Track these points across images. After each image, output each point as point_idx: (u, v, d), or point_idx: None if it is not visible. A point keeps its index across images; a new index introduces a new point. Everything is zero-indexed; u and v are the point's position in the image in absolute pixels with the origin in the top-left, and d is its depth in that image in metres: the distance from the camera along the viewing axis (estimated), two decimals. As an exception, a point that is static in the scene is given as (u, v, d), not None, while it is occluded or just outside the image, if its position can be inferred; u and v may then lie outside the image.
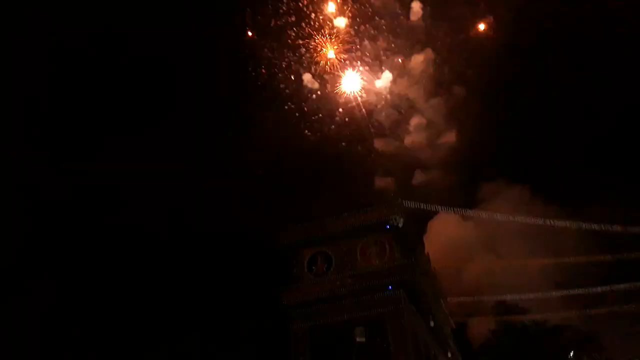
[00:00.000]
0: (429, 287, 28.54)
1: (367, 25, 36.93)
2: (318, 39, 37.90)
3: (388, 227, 29.13)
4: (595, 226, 29.15)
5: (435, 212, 30.32)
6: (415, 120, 36.37)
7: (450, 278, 29.14)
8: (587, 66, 31.06)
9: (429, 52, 35.86)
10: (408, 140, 36.35)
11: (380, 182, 35.42)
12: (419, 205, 30.00)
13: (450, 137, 34.93)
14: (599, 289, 28.79)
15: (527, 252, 29.89)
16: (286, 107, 37.90)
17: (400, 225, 29.17)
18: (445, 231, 29.96)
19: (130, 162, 33.44)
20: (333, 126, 37.48)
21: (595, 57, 32.11)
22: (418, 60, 36.05)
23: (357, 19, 37.17)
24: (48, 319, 30.13)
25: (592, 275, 29.16)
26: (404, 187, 34.04)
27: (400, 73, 36.59)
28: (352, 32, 37.45)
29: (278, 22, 37.51)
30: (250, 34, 37.41)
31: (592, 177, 29.58)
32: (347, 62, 37.33)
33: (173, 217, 32.50)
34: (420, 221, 30.28)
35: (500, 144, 31.36)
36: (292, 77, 38.02)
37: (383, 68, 36.73)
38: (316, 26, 37.61)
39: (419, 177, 34.76)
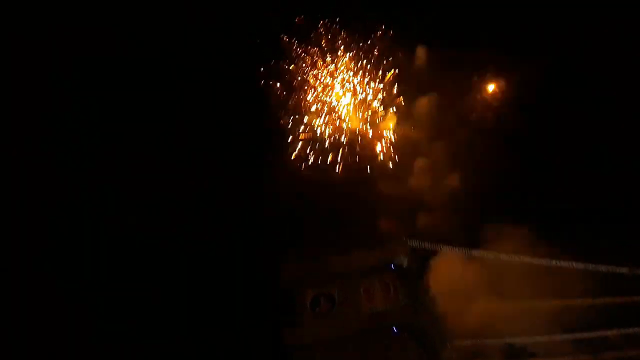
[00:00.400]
0: (435, 329, 27.92)
1: (372, 69, 37.78)
2: (322, 82, 38.69)
3: (392, 267, 28.92)
4: (602, 267, 28.99)
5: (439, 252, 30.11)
6: (419, 163, 36.68)
7: (454, 319, 28.41)
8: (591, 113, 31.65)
9: (433, 96, 36.55)
10: (412, 182, 36.54)
11: (384, 223, 35.25)
12: (424, 245, 29.76)
13: (453, 180, 35.11)
14: (607, 333, 28.26)
15: (533, 294, 29.39)
16: (290, 148, 38.44)
17: (405, 265, 28.97)
18: (448, 271, 29.63)
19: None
20: (337, 167, 37.76)
21: (599, 105, 32.59)
22: (422, 103, 36.63)
23: (362, 63, 38.11)
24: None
25: (600, 318, 28.73)
26: (408, 229, 33.81)
27: (404, 116, 37.17)
28: (356, 76, 38.29)
29: (284, 65, 38.34)
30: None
31: (599, 218, 29.46)
32: (350, 105, 37.96)
33: (172, 249, 32.23)
34: (424, 261, 29.93)
35: (504, 185, 31.31)
36: (296, 117, 38.60)
37: (387, 110, 37.31)
38: (320, 69, 38.48)
39: (422, 219, 34.65)
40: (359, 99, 38.07)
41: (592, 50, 32.33)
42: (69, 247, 31.77)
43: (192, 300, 30.68)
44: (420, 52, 36.70)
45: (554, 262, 28.78)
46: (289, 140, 36.91)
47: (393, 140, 36.98)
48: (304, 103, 38.26)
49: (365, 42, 37.51)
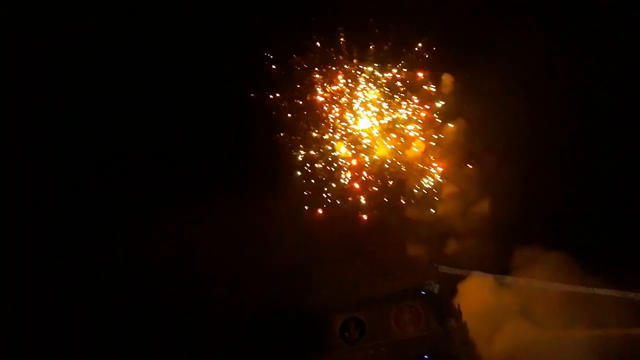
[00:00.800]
0: (466, 356, 27.37)
1: (397, 95, 38.03)
2: (350, 110, 38.96)
3: (423, 293, 28.65)
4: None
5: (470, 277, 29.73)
6: (447, 189, 36.54)
7: (485, 346, 27.81)
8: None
9: (461, 122, 36.59)
10: (440, 209, 36.37)
11: (413, 250, 35.03)
12: (455, 271, 29.40)
13: (483, 206, 34.86)
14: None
15: (567, 322, 28.65)
16: (319, 174, 38.63)
17: (436, 291, 28.64)
18: (479, 297, 29.15)
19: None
20: (364, 195, 37.79)
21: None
22: (449, 130, 36.65)
23: (388, 91, 38.37)
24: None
25: (637, 349, 27.84)
26: (437, 255, 33.52)
27: (432, 142, 37.24)
28: (384, 103, 38.54)
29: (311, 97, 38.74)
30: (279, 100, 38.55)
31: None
32: (378, 131, 38.16)
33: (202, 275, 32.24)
34: (454, 287, 29.52)
35: (538, 211, 30.90)
36: (325, 147, 38.84)
37: (414, 136, 37.41)
38: (349, 98, 38.81)
39: (452, 246, 34.34)
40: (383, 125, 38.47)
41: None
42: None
43: (223, 326, 30.49)
44: (447, 79, 36.90)
45: (588, 289, 28.10)
46: (315, 166, 37.33)
47: (421, 166, 37.14)
48: (327, 127, 38.71)
49: (391, 68, 38.09)
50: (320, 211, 37.59)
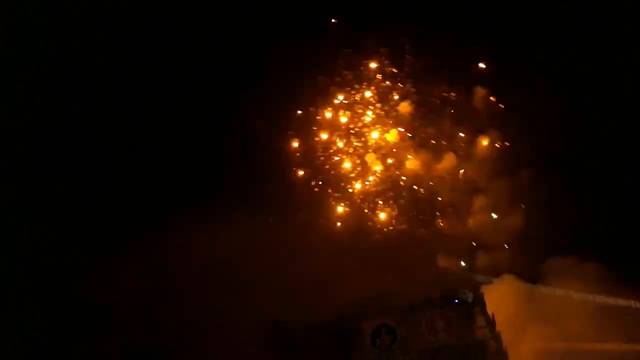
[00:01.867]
0: (500, 367, 26.92)
1: (429, 109, 38.20)
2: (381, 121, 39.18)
3: (457, 301, 28.26)
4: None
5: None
6: (478, 202, 36.42)
7: (513, 356, 27.31)
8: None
9: (493, 135, 36.59)
10: (472, 221, 36.18)
11: (445, 261, 34.79)
12: (490, 280, 29.12)
13: (516, 218, 34.62)
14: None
15: (599, 335, 28.10)
16: (349, 188, 38.77)
17: (470, 300, 28.21)
18: (509, 305, 28.83)
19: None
20: (395, 208, 37.78)
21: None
22: (482, 142, 36.64)
23: (419, 103, 38.59)
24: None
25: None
26: (470, 266, 33.29)
27: (463, 155, 37.19)
28: (414, 116, 38.69)
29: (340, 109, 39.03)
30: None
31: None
32: (409, 144, 38.27)
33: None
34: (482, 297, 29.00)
35: (573, 223, 30.61)
36: (357, 160, 39.01)
37: (446, 150, 37.45)
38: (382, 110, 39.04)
39: (484, 257, 34.07)
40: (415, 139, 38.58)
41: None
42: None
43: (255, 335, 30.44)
44: (478, 92, 37.03)
45: (627, 302, 27.59)
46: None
47: (452, 179, 37.13)
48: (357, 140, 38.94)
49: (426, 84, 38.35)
50: (350, 224, 37.94)
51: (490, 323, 27.72)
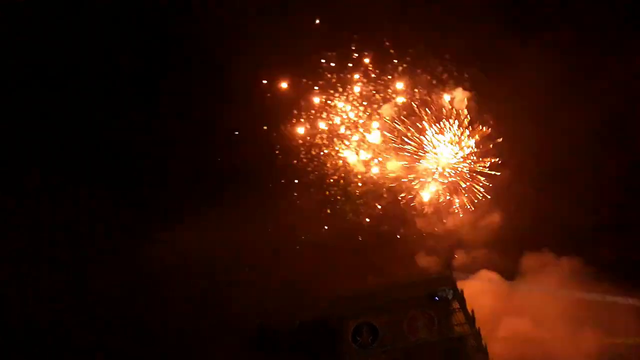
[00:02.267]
0: (480, 362, 27.34)
1: (411, 111, 38.67)
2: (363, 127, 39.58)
3: (437, 299, 28.58)
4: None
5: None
6: (457, 202, 36.92)
7: (492, 349, 27.76)
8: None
9: (472, 135, 37.19)
10: (451, 220, 36.71)
11: (425, 260, 35.27)
12: (469, 278, 29.55)
13: (494, 217, 35.19)
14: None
15: (577, 329, 28.65)
16: (331, 189, 39.09)
17: (450, 297, 28.61)
18: (488, 300, 29.33)
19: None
20: (376, 207, 38.16)
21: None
22: (461, 143, 37.17)
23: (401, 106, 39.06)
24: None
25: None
26: (450, 264, 33.79)
27: (443, 156, 37.65)
28: (396, 118, 39.15)
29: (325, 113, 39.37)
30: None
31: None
32: (391, 146, 38.69)
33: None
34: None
35: (551, 220, 31.30)
36: (339, 162, 39.34)
37: (425, 151, 37.96)
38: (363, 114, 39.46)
39: (464, 255, 34.59)
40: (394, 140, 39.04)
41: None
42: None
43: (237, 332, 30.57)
44: (458, 94, 37.65)
45: (600, 296, 28.14)
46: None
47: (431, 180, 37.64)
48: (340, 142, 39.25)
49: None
50: (333, 225, 38.23)
51: (470, 319, 28.13)
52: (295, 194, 38.30)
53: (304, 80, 39.28)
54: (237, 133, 37.88)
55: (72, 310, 31.31)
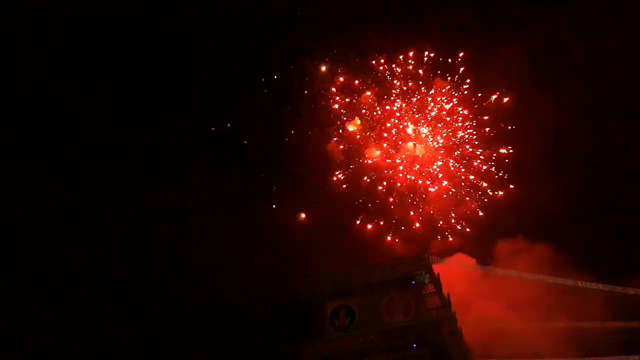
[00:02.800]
0: (455, 347, 27.59)
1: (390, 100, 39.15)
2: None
3: (414, 282, 28.79)
4: (620, 289, 28.86)
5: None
6: (435, 190, 37.35)
7: (469, 334, 28.11)
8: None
9: (449, 125, 37.70)
10: (428, 207, 37.12)
11: (402, 245, 35.70)
12: (446, 263, 29.82)
13: (468, 205, 35.74)
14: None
15: (549, 314, 29.22)
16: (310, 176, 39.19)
17: (427, 281, 28.86)
18: (464, 287, 29.69)
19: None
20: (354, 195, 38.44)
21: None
22: (439, 133, 37.67)
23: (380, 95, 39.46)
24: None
25: (618, 343, 28.44)
26: (428, 249, 34.20)
27: (422, 146, 38.13)
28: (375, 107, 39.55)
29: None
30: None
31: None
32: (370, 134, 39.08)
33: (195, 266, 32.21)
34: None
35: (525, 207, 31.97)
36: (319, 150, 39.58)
37: (404, 140, 38.36)
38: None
39: (441, 241, 35.14)
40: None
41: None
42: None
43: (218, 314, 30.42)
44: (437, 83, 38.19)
45: (570, 281, 28.72)
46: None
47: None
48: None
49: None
50: (310, 210, 38.41)
51: (446, 303, 28.42)
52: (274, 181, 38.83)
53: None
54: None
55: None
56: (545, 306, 29.12)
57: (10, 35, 33.12)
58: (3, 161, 31.62)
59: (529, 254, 30.52)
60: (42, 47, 34.08)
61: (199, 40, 37.01)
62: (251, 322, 30.32)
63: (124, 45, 36.13)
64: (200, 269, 32.14)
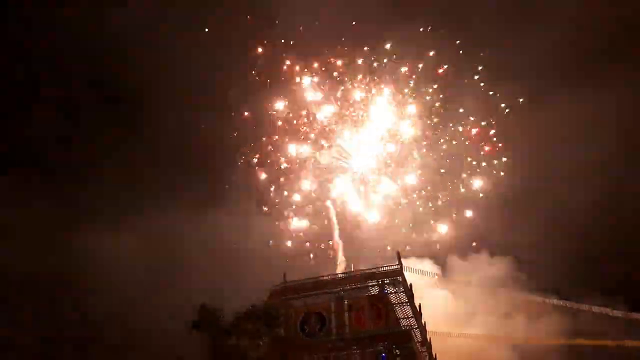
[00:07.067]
0: (424, 357, 27.25)
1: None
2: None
3: (385, 291, 28.28)
4: (584, 306, 29.33)
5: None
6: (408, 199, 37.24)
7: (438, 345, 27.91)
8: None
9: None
10: (401, 218, 36.81)
11: (377, 254, 35.32)
12: (418, 272, 29.46)
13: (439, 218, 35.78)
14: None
15: (513, 329, 29.44)
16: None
17: (399, 291, 28.37)
18: (435, 298, 29.59)
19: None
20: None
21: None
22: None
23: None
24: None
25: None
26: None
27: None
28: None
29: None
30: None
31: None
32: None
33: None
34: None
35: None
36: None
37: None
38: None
39: (411, 252, 34.87)
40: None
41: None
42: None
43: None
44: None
45: (545, 299, 28.91)
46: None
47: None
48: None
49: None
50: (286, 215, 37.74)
51: (417, 313, 28.06)
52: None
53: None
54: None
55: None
56: (510, 320, 29.32)
57: None
58: None
59: (494, 267, 30.73)
60: None
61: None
62: (219, 325, 28.88)
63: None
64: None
